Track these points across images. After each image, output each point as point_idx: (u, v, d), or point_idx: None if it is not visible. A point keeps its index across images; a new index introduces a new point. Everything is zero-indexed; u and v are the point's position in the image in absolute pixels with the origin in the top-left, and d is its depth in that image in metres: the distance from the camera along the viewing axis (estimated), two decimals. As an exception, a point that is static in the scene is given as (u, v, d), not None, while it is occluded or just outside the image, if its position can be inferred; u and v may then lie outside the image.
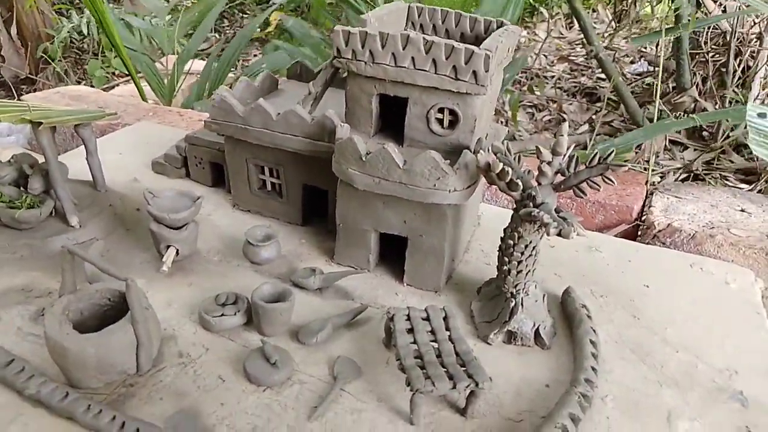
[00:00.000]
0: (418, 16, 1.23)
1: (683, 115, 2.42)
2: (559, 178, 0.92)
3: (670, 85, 2.86)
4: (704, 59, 2.65)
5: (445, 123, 1.04)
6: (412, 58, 0.98)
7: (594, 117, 2.85)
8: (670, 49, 2.76)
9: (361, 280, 1.14)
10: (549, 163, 0.91)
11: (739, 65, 2.50)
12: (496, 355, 0.97)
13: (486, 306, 1.05)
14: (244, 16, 4.54)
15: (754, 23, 2.50)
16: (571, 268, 1.21)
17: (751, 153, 2.06)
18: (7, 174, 1.16)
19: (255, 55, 3.85)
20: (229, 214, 1.34)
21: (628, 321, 1.07)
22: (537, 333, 0.99)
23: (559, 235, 0.84)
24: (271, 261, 1.16)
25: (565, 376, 0.93)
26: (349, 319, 1.02)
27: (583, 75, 3.45)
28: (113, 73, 3.49)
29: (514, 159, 0.98)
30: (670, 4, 2.42)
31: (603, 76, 3.10)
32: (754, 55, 2.49)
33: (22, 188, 1.17)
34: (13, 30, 3.43)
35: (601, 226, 1.50)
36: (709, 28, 2.59)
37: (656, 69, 2.11)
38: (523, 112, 2.97)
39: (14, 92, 3.29)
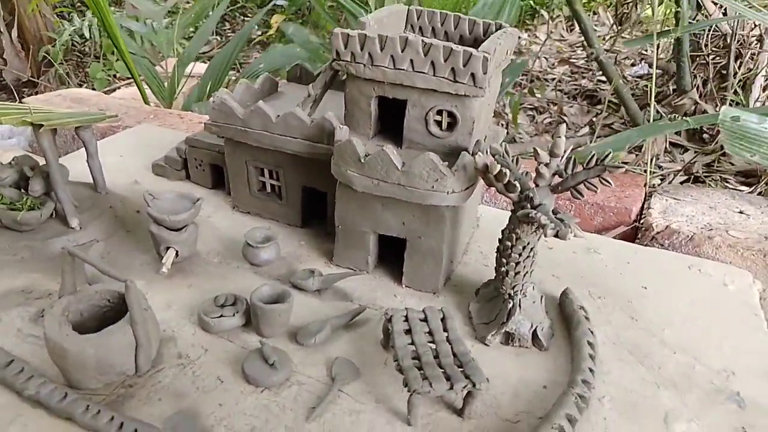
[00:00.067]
0: (417, 19, 1.23)
1: (683, 117, 2.42)
2: (557, 179, 0.93)
3: (671, 88, 2.87)
4: (705, 62, 2.66)
5: (444, 125, 1.04)
6: (411, 60, 0.98)
7: (594, 119, 2.86)
8: (671, 52, 2.77)
9: (359, 282, 1.14)
10: (547, 165, 0.91)
11: (739, 67, 2.51)
12: (494, 356, 0.98)
13: (484, 307, 1.05)
14: (245, 18, 4.55)
15: (755, 26, 2.50)
16: (570, 270, 1.21)
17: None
18: (8, 176, 1.16)
19: (256, 59, 3.86)
20: (229, 216, 1.35)
21: (626, 322, 1.07)
22: (535, 334, 0.99)
23: (556, 236, 0.85)
24: (271, 263, 1.17)
25: (562, 378, 0.93)
26: (347, 321, 1.02)
27: (583, 77, 3.46)
28: (114, 76, 3.50)
29: (512, 161, 0.99)
30: (670, 7, 2.42)
31: (604, 78, 3.11)
32: (755, 57, 2.49)
33: (22, 190, 1.18)
34: (15, 33, 3.44)
35: (600, 228, 1.51)
36: (709, 30, 2.60)
37: (653, 71, 2.10)
38: (523, 114, 2.98)
39: (16, 95, 3.30)
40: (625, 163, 2.22)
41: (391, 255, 1.15)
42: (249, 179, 1.30)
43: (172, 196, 1.14)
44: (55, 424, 0.81)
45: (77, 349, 0.82)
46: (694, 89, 2.62)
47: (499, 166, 0.92)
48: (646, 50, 3.50)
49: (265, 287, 1.01)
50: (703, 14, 2.62)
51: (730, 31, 2.47)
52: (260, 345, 0.92)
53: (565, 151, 0.91)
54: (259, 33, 4.06)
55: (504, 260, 0.98)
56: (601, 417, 0.87)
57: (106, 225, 1.23)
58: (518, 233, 0.94)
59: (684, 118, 2.07)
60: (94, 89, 3.03)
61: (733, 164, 2.25)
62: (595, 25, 4.00)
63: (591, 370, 0.92)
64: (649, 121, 2.11)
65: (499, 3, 2.20)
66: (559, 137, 0.90)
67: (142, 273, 1.12)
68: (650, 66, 3.27)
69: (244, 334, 0.99)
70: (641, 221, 1.47)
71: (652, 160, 2.03)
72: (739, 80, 2.50)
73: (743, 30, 2.52)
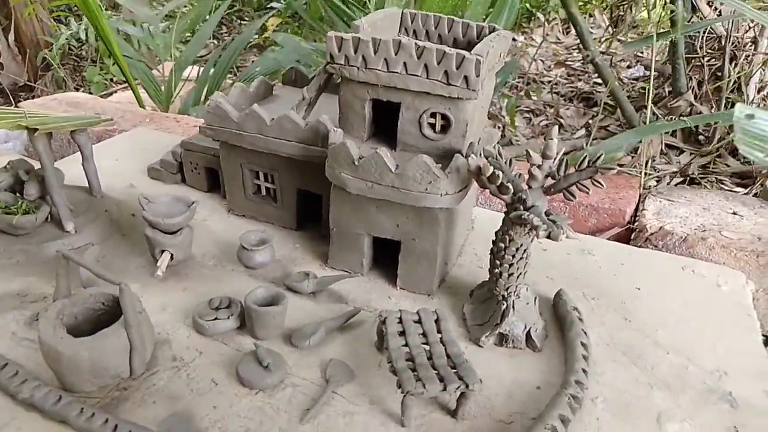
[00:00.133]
0: (411, 22, 1.24)
1: (678, 119, 2.43)
2: (550, 181, 0.93)
3: (666, 90, 2.88)
4: (700, 63, 2.67)
5: (438, 127, 1.05)
6: (404, 63, 0.99)
7: (591, 121, 2.86)
8: (666, 54, 2.78)
9: (354, 284, 1.14)
10: (539, 167, 0.92)
11: (734, 69, 2.52)
12: (488, 357, 0.98)
13: (478, 309, 1.06)
14: (243, 22, 4.56)
15: (749, 27, 2.51)
16: (564, 271, 1.21)
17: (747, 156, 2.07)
18: (3, 180, 1.17)
19: (253, 61, 3.87)
20: (224, 219, 1.35)
21: (619, 323, 1.08)
22: (528, 335, 1.00)
23: (548, 237, 0.85)
24: (266, 265, 1.17)
25: (556, 378, 0.94)
26: (341, 323, 1.02)
27: (579, 80, 3.47)
28: (111, 80, 3.50)
29: (506, 163, 0.99)
30: (665, 10, 2.43)
31: (600, 81, 3.12)
32: (749, 59, 2.50)
33: (18, 194, 1.18)
34: (12, 37, 3.45)
35: (594, 230, 1.51)
36: (704, 32, 2.61)
37: (651, 73, 2.11)
38: (520, 117, 2.98)
39: (12, 99, 3.30)
40: (621, 165, 2.23)
41: (386, 257, 1.15)
42: (244, 182, 1.31)
43: (167, 200, 1.14)
44: (49, 427, 0.81)
45: (72, 352, 0.82)
46: (690, 91, 2.63)
47: (491, 168, 0.92)
48: (642, 52, 3.51)
49: (260, 290, 1.01)
50: (698, 16, 2.63)
51: (725, 33, 2.48)
52: (255, 347, 0.92)
53: (557, 153, 0.92)
54: (256, 36, 4.06)
55: (497, 262, 0.99)
56: (594, 417, 0.87)
57: (101, 229, 1.23)
58: (511, 235, 0.95)
59: (682, 118, 2.08)
60: (90, 93, 3.04)
61: (728, 165, 2.25)
62: (591, 28, 4.01)
63: (584, 371, 0.92)
64: (645, 123, 2.12)
65: (499, 7, 2.22)
66: (551, 139, 0.90)
67: (137, 276, 1.13)
68: (646, 68, 3.29)
69: (238, 336, 1.00)
70: (635, 223, 1.47)
71: (648, 162, 2.04)
72: (734, 82, 2.51)
73: (738, 32, 2.53)
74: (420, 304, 1.09)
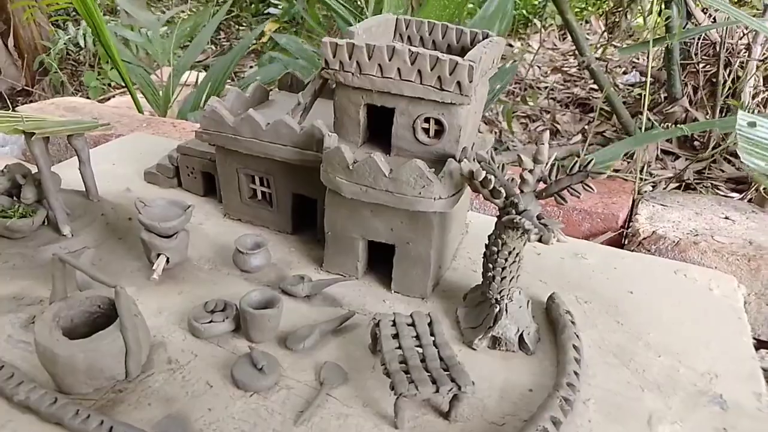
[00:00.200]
0: (406, 28, 1.25)
1: (674, 125, 2.45)
2: (541, 185, 0.94)
3: (662, 95, 2.90)
4: (695, 69, 2.69)
5: (431, 132, 1.06)
6: (398, 69, 1.00)
7: (587, 127, 2.88)
8: (661, 60, 2.79)
9: (349, 288, 1.15)
10: (531, 172, 0.93)
11: (728, 75, 2.53)
12: (481, 360, 0.99)
13: (471, 312, 1.06)
14: (240, 27, 4.58)
15: (743, 34, 2.53)
16: (557, 275, 1.22)
17: (742, 162, 2.09)
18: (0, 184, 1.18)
19: (251, 66, 3.88)
20: (220, 223, 1.36)
21: (611, 326, 1.09)
22: (521, 338, 1.00)
23: (540, 241, 0.86)
24: (261, 269, 1.18)
25: (548, 381, 0.94)
26: (336, 326, 1.03)
27: (576, 86, 3.49)
28: (109, 85, 3.51)
29: (498, 167, 1.00)
30: (660, 17, 2.45)
31: (596, 86, 3.14)
32: (743, 65, 2.52)
33: (14, 198, 1.19)
34: (10, 42, 3.46)
35: (588, 234, 1.52)
36: (699, 38, 2.63)
37: (647, 79, 2.13)
38: (516, 122, 3.00)
39: (9, 104, 3.31)
40: (617, 170, 2.24)
41: (381, 261, 1.16)
42: (240, 187, 1.32)
43: (163, 203, 1.15)
44: (45, 429, 0.82)
45: (67, 354, 0.82)
46: (685, 97, 2.65)
47: (484, 172, 0.93)
48: (638, 58, 3.53)
49: (255, 293, 1.02)
50: (693, 23, 2.65)
51: (720, 39, 2.50)
52: (249, 350, 0.93)
53: (549, 158, 0.93)
54: (253, 41, 4.08)
55: (490, 265, 1.00)
56: (586, 419, 0.88)
57: (97, 232, 1.24)
58: (504, 239, 0.96)
59: (678, 125, 2.09)
60: (88, 98, 3.05)
61: (723, 171, 2.27)
62: (587, 34, 4.03)
63: (576, 374, 0.93)
64: (641, 129, 2.14)
65: (496, 15, 2.23)
66: (542, 144, 0.91)
67: (133, 279, 1.13)
68: (642, 74, 3.31)
69: (233, 339, 1.00)
70: (628, 227, 1.48)
71: (643, 168, 2.05)
72: (729, 88, 2.53)
73: (732, 39, 2.55)
74: (414, 307, 1.10)
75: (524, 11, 4.31)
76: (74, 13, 4.09)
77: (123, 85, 3.12)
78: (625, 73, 3.52)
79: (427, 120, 1.05)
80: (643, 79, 3.22)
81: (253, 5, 4.58)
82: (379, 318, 0.95)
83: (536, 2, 4.38)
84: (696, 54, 2.68)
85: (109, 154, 1.67)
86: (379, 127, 1.12)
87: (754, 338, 1.22)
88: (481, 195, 0.96)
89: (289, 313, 1.04)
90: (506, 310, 1.00)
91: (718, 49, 2.52)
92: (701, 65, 2.65)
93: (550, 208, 1.51)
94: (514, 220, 0.89)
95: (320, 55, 1.06)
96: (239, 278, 1.17)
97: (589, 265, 1.27)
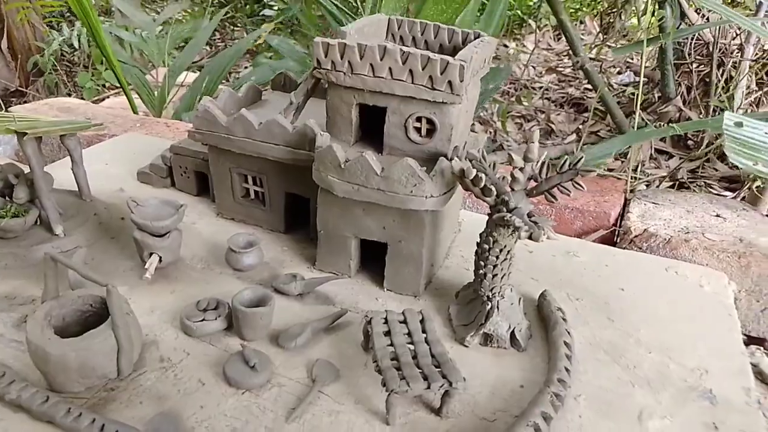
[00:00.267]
0: (398, 28, 1.25)
1: (667, 125, 2.46)
2: (532, 183, 0.95)
3: (656, 95, 2.91)
4: (688, 69, 2.70)
5: (423, 131, 1.07)
6: (390, 68, 1.00)
7: (581, 127, 2.89)
8: (655, 60, 2.81)
9: (342, 286, 1.15)
10: (521, 170, 0.93)
11: (722, 75, 2.55)
12: (473, 357, 0.99)
13: (463, 309, 1.07)
14: (235, 28, 4.58)
15: (736, 34, 2.55)
16: (549, 273, 1.23)
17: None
18: (-8, 183, 1.18)
19: (246, 67, 3.88)
20: (213, 222, 1.36)
21: (603, 323, 1.09)
22: (513, 335, 1.01)
23: (530, 238, 0.87)
24: (254, 268, 1.18)
25: (539, 377, 0.95)
26: (328, 324, 1.03)
27: (570, 86, 3.50)
28: (103, 86, 3.51)
29: (490, 166, 1.01)
30: (654, 17, 2.47)
31: (590, 86, 3.15)
32: (736, 65, 2.54)
33: (7, 198, 1.19)
34: (4, 43, 3.45)
35: (580, 232, 1.53)
36: (692, 38, 2.64)
37: (640, 79, 2.14)
38: (511, 122, 3.00)
39: (2, 105, 3.30)
40: (611, 169, 2.25)
41: (373, 259, 1.17)
42: (233, 186, 1.32)
43: (155, 203, 1.15)
44: (36, 427, 0.82)
45: (59, 353, 0.83)
46: (679, 96, 2.66)
47: (474, 171, 0.94)
48: (632, 58, 3.54)
49: (247, 291, 1.02)
50: (686, 23, 2.66)
51: (713, 39, 2.51)
52: (241, 348, 0.93)
53: (539, 157, 0.93)
54: (251, 43, 4.08)
55: (482, 263, 1.00)
56: (577, 415, 0.89)
57: (90, 232, 1.24)
58: (495, 236, 0.96)
59: (671, 124, 2.10)
60: (83, 98, 3.04)
61: (716, 170, 2.28)
62: (582, 34, 4.04)
63: (567, 370, 0.94)
64: (634, 128, 2.15)
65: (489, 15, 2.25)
66: (533, 143, 0.92)
67: (125, 279, 1.13)
68: (635, 74, 3.32)
69: (226, 337, 1.01)
70: (620, 225, 1.49)
71: (637, 167, 2.06)
72: (722, 87, 2.54)
73: (725, 39, 2.56)
74: (406, 305, 1.10)
75: (519, 12, 4.32)
76: (68, 14, 4.09)
77: (117, 86, 3.12)
78: (619, 73, 3.53)
79: (418, 119, 1.05)
80: (638, 79, 3.23)
81: (248, 6, 4.58)
82: (371, 316, 0.96)
83: (531, 3, 4.39)
84: (689, 54, 2.69)
85: (102, 154, 1.67)
86: (371, 127, 1.12)
87: (744, 334, 1.22)
88: (473, 193, 0.97)
89: (281, 311, 1.04)
90: (498, 308, 1.01)
91: (711, 49, 2.53)
92: (695, 65, 2.66)
93: (543, 206, 1.52)
94: (505, 218, 0.90)
95: (312, 55, 1.06)
96: (232, 277, 1.17)
97: (580, 262, 1.28)
